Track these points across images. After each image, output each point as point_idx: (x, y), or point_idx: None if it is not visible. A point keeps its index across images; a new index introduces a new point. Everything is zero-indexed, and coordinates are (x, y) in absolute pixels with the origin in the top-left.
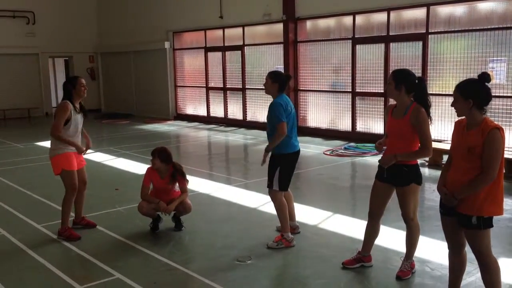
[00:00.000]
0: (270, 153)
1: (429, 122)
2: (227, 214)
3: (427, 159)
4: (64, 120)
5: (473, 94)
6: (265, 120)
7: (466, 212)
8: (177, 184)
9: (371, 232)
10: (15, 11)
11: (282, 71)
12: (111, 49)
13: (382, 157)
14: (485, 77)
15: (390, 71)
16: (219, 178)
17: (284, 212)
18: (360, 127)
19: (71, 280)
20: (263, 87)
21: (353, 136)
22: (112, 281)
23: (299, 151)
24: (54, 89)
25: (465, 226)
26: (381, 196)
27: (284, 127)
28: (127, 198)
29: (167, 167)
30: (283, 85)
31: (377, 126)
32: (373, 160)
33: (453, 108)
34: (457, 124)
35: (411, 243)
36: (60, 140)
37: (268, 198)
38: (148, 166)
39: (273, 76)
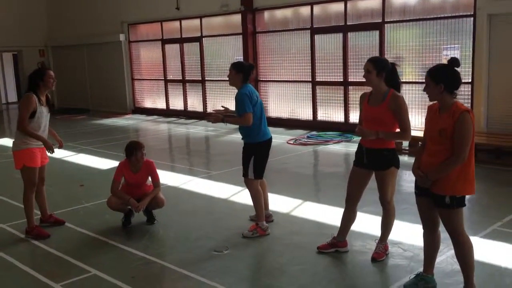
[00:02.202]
0: (225, 123)
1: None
2: (198, 206)
3: (407, 145)
4: (29, 112)
5: (443, 79)
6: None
7: (440, 193)
8: (149, 178)
9: (349, 217)
10: None
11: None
12: (63, 42)
13: (360, 129)
14: (454, 62)
15: (349, 60)
16: (185, 171)
17: (260, 201)
18: (321, 115)
19: (46, 279)
20: (223, 79)
21: (315, 125)
22: (89, 278)
23: (271, 138)
24: (3, 85)
25: (439, 206)
26: (359, 182)
27: (249, 117)
28: (93, 193)
29: (142, 162)
30: (247, 75)
31: (337, 114)
32: (336, 148)
33: (423, 93)
34: (429, 109)
35: (386, 226)
36: (28, 134)
37: (236, 188)
38: (119, 161)
39: (236, 66)
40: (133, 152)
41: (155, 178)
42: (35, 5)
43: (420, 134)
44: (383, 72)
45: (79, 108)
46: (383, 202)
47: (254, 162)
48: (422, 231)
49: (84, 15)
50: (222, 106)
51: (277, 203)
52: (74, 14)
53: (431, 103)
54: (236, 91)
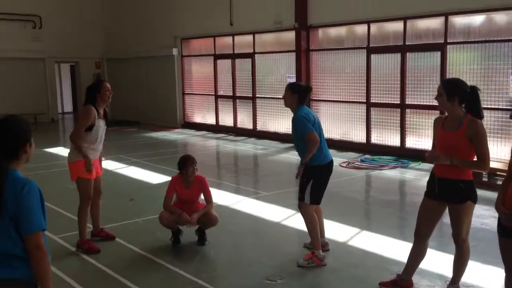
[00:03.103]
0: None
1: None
2: (249, 228)
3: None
4: (87, 125)
5: None
6: (276, 130)
7: None
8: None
9: (417, 254)
10: (22, 14)
11: (294, 80)
12: (118, 55)
13: (432, 153)
14: None
15: (407, 82)
16: (234, 190)
17: (316, 228)
18: (375, 139)
19: None
20: (274, 96)
21: (368, 148)
22: None
23: (332, 161)
24: (60, 95)
25: None
26: (431, 215)
27: (314, 136)
28: (143, 208)
29: (194, 177)
30: (303, 96)
31: (393, 138)
32: (391, 173)
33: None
34: None
35: (460, 266)
36: (76, 145)
37: (288, 211)
38: (170, 176)
39: (292, 87)
40: (185, 167)
41: (207, 194)
42: (92, 18)
43: (501, 164)
44: (455, 96)
45: (130, 120)
46: (457, 240)
47: (313, 186)
48: (501, 274)
49: (139, 29)
50: None
51: (333, 230)
52: (129, 27)
53: None
54: (285, 109)
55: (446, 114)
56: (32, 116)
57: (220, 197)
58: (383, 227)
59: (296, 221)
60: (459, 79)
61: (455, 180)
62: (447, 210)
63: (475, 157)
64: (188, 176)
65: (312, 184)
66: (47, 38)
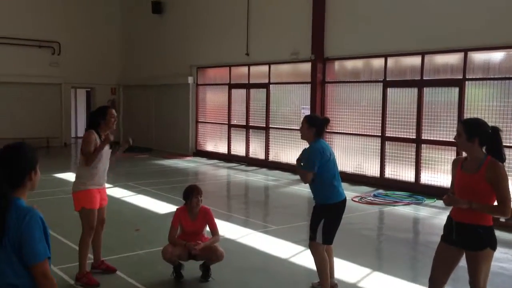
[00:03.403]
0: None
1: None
2: (256, 264)
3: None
4: (91, 146)
5: None
6: (288, 161)
7: None
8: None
9: None
10: (42, 41)
11: (309, 111)
12: (134, 82)
13: (449, 197)
14: None
15: (423, 117)
16: (242, 222)
17: (326, 269)
18: (389, 173)
19: None
20: (288, 127)
21: (381, 183)
22: None
23: (345, 199)
24: (74, 119)
25: None
26: (447, 261)
27: (309, 176)
28: (148, 239)
29: (199, 208)
30: (321, 129)
31: (407, 173)
32: (405, 210)
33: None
34: None
35: None
36: (92, 156)
37: (297, 248)
38: (178, 207)
39: (309, 120)
40: (189, 197)
41: (213, 226)
42: (109, 45)
43: None
44: (475, 137)
45: (142, 146)
46: None
47: (325, 226)
48: None
49: (155, 56)
50: None
51: (342, 270)
52: (145, 55)
53: None
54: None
55: (466, 154)
56: (45, 140)
57: (228, 230)
58: (395, 268)
59: (305, 258)
60: (480, 119)
61: (474, 225)
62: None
63: (496, 201)
64: (192, 207)
65: (324, 223)
66: (65, 64)
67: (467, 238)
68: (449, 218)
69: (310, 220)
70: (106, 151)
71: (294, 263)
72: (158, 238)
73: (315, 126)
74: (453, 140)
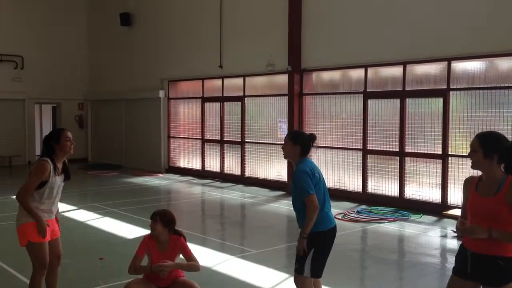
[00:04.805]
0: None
1: None
2: None
3: None
4: (39, 182)
5: None
6: (265, 177)
7: None
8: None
9: None
10: (3, 54)
11: (286, 124)
12: (102, 97)
13: (466, 226)
14: None
15: (406, 128)
16: (218, 246)
17: None
18: (372, 187)
19: None
20: (264, 141)
21: (364, 198)
22: None
23: (335, 226)
24: (40, 137)
25: None
26: None
27: (314, 200)
28: (113, 271)
29: (169, 237)
30: (306, 147)
31: (391, 187)
32: (391, 227)
33: None
34: None
35: None
36: (24, 206)
37: (280, 275)
38: (145, 234)
39: (293, 137)
40: (151, 222)
41: (188, 255)
42: (76, 58)
43: None
44: (494, 153)
45: (111, 164)
46: None
47: (314, 257)
48: None
49: (125, 70)
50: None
51: None
52: (114, 69)
53: None
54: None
55: (481, 174)
56: (7, 159)
57: (203, 256)
58: None
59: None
60: (497, 132)
61: (493, 256)
62: None
63: None
64: (155, 233)
65: (313, 254)
66: (29, 79)
67: (485, 271)
68: (462, 247)
69: (297, 249)
70: (58, 182)
71: None
72: (124, 270)
73: (300, 144)
74: (438, 153)
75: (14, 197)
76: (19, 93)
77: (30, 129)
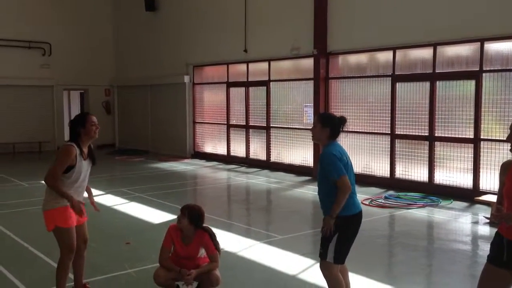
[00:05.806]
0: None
1: None
2: (260, 283)
3: None
4: (65, 166)
5: None
6: (290, 162)
7: None
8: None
9: None
10: (31, 41)
11: (311, 109)
12: (128, 82)
13: (500, 213)
14: None
15: (436, 112)
16: (243, 232)
17: None
18: (400, 173)
19: None
20: (290, 126)
21: (392, 183)
22: None
23: (361, 212)
24: (68, 122)
25: None
26: (497, 287)
27: (346, 180)
28: (139, 256)
29: (194, 232)
30: (336, 130)
31: (420, 173)
32: (420, 213)
33: None
34: None
35: None
36: (55, 190)
37: (307, 261)
38: (171, 221)
39: (323, 119)
40: (179, 215)
41: (211, 252)
42: (102, 44)
43: None
44: None
45: (138, 149)
46: None
47: (338, 242)
48: None
49: (150, 56)
50: None
51: (356, 287)
52: (140, 54)
53: None
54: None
55: None
56: (37, 145)
57: (229, 241)
58: (419, 285)
59: (315, 274)
60: None
61: None
62: None
63: None
64: (183, 229)
65: (338, 239)
66: (56, 65)
67: None
68: (497, 235)
69: (322, 230)
70: (86, 167)
71: (303, 280)
72: (150, 255)
73: (330, 126)
74: (469, 137)
75: (43, 181)
76: (47, 80)
77: (59, 115)
